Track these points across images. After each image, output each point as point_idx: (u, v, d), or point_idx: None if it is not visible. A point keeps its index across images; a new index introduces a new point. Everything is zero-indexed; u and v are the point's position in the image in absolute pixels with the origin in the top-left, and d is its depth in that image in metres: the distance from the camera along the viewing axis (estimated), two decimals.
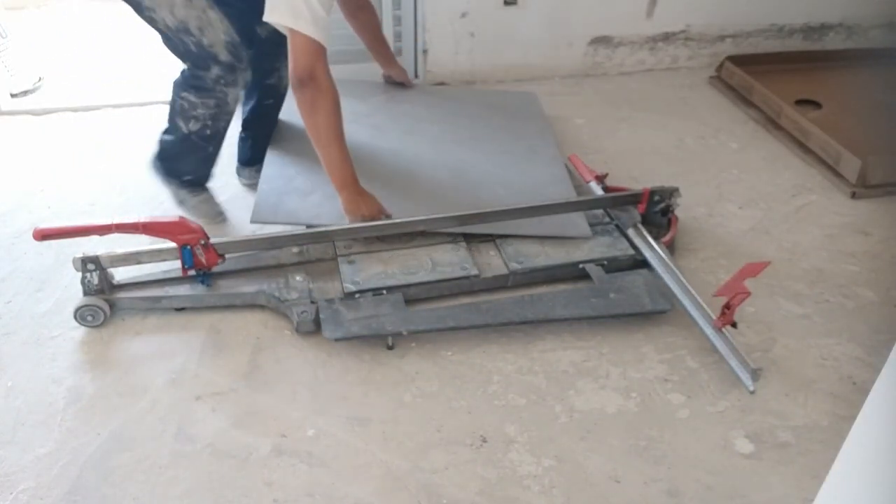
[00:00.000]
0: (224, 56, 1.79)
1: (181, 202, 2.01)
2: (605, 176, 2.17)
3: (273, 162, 2.03)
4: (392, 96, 2.44)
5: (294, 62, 1.69)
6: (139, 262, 1.71)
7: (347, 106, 2.22)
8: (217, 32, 1.78)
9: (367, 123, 2.25)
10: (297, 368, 1.59)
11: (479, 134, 2.29)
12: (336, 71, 2.23)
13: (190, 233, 1.67)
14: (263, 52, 2.00)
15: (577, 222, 1.91)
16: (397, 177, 2.01)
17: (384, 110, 2.35)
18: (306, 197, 1.90)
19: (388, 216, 1.81)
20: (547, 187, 2.05)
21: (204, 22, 1.76)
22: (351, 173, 1.79)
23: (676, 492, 1.35)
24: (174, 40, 1.80)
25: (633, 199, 1.95)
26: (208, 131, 1.91)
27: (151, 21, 1.79)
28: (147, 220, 1.68)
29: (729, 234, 2.05)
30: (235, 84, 1.86)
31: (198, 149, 1.93)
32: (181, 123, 1.88)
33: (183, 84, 1.85)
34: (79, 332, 1.68)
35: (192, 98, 1.85)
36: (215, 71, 1.80)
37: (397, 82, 2.50)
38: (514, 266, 1.79)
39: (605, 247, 1.86)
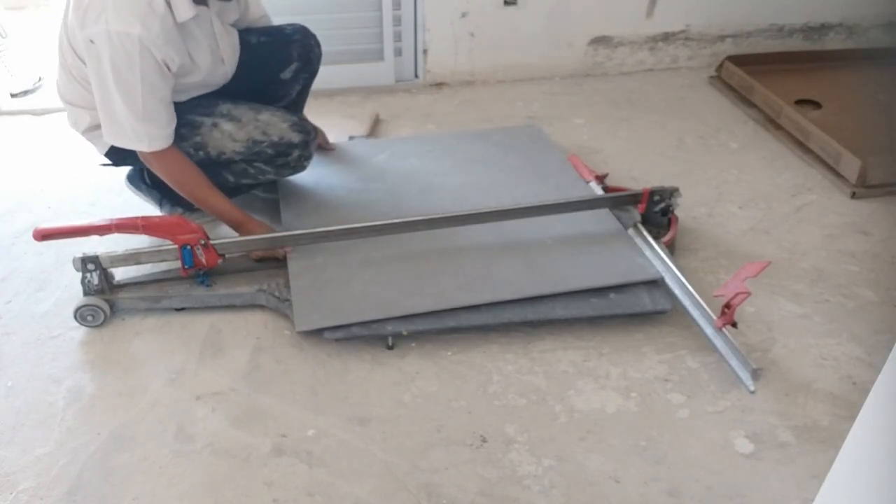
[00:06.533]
0: (297, 138, 1.83)
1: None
2: (605, 176, 2.17)
3: (298, 252, 1.80)
4: (393, 153, 2.25)
5: (138, 152, 1.71)
6: (139, 262, 1.72)
7: (352, 172, 2.16)
8: (278, 124, 1.82)
9: (380, 189, 2.07)
10: (297, 368, 1.59)
11: (501, 180, 2.12)
12: (335, 71, 2.24)
13: (190, 233, 1.67)
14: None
15: (641, 264, 1.78)
16: (434, 243, 1.82)
17: (391, 171, 2.16)
18: (346, 288, 1.70)
19: (285, 253, 1.78)
20: (594, 228, 1.91)
21: (262, 125, 1.81)
22: (239, 212, 1.80)
23: (676, 492, 1.35)
24: (251, 158, 1.84)
25: (633, 199, 1.95)
26: (256, 182, 1.95)
27: (228, 164, 1.84)
28: (147, 219, 1.68)
29: (729, 234, 2.05)
30: (312, 156, 1.91)
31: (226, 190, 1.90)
32: (228, 177, 1.87)
33: (263, 161, 1.85)
34: (79, 332, 1.68)
35: (267, 169, 1.87)
36: (296, 153, 1.85)
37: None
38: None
39: None
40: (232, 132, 1.80)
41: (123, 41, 1.52)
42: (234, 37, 1.86)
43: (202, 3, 1.65)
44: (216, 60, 1.80)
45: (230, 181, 1.88)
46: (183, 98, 1.79)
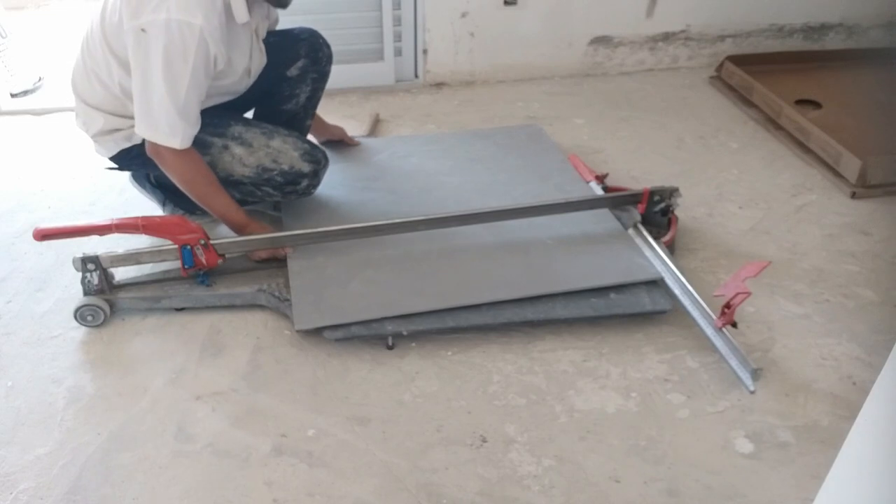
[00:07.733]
0: (307, 168, 1.84)
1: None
2: (605, 176, 2.17)
3: (298, 252, 1.80)
4: (394, 152, 2.26)
5: (147, 146, 1.69)
6: (139, 262, 1.72)
7: (352, 171, 2.17)
8: (289, 152, 1.82)
9: (380, 188, 2.08)
10: (297, 368, 1.59)
11: (501, 179, 2.13)
12: (335, 71, 2.24)
13: (190, 233, 1.67)
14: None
15: (641, 264, 1.78)
16: (434, 243, 1.82)
17: (392, 170, 2.18)
18: (345, 287, 1.70)
19: (286, 254, 1.79)
20: (594, 228, 1.91)
21: (273, 152, 1.81)
22: (243, 216, 1.80)
23: (676, 492, 1.35)
24: (259, 183, 1.84)
25: (633, 199, 1.95)
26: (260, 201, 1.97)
27: (236, 184, 1.84)
28: (147, 219, 1.68)
29: (729, 234, 2.05)
30: (320, 183, 1.91)
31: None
32: (234, 193, 1.86)
33: (272, 187, 1.86)
34: (79, 332, 1.68)
35: (274, 193, 1.88)
36: (305, 182, 1.86)
37: (335, 141, 2.29)
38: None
39: None
40: (242, 157, 1.80)
41: (184, 30, 1.52)
42: (264, 57, 1.87)
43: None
44: (245, 72, 1.80)
45: (235, 197, 1.87)
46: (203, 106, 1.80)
